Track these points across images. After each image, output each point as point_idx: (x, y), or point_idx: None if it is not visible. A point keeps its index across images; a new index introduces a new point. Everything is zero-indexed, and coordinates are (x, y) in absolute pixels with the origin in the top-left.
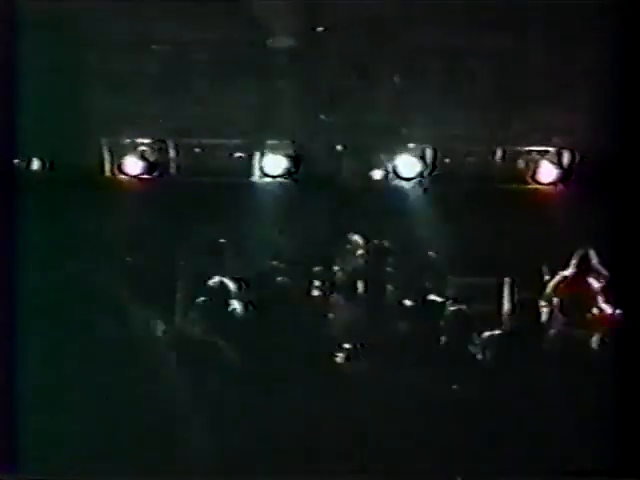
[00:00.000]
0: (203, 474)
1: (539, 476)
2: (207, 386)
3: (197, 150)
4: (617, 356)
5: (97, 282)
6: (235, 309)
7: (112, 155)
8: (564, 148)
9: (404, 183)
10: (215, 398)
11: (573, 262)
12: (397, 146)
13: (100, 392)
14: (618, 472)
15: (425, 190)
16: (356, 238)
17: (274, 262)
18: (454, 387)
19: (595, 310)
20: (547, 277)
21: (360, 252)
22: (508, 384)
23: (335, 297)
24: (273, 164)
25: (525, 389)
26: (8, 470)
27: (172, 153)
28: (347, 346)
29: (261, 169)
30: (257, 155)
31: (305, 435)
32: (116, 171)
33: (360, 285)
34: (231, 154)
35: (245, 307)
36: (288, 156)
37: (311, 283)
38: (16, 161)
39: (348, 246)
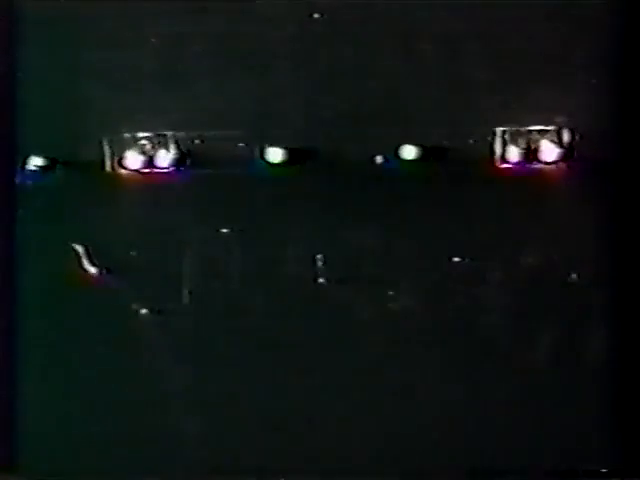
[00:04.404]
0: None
1: (539, 476)
2: (207, 384)
3: (197, 142)
4: (618, 354)
5: (99, 279)
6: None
7: (112, 150)
8: (564, 127)
9: (406, 167)
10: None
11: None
12: (398, 131)
13: (101, 391)
14: (619, 472)
15: (427, 173)
16: (360, 224)
17: (279, 252)
18: None
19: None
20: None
21: (364, 237)
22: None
23: (340, 284)
24: (275, 154)
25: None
26: (8, 470)
27: (172, 146)
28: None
29: (263, 159)
30: (258, 145)
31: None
32: (117, 166)
33: (364, 271)
34: (232, 145)
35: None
36: (289, 145)
37: (317, 271)
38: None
39: (353, 232)
